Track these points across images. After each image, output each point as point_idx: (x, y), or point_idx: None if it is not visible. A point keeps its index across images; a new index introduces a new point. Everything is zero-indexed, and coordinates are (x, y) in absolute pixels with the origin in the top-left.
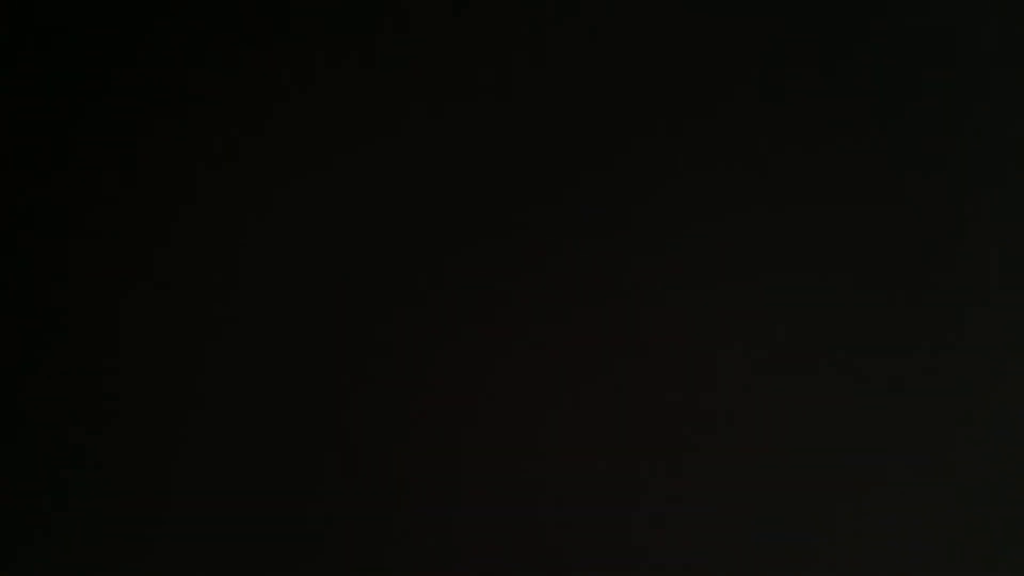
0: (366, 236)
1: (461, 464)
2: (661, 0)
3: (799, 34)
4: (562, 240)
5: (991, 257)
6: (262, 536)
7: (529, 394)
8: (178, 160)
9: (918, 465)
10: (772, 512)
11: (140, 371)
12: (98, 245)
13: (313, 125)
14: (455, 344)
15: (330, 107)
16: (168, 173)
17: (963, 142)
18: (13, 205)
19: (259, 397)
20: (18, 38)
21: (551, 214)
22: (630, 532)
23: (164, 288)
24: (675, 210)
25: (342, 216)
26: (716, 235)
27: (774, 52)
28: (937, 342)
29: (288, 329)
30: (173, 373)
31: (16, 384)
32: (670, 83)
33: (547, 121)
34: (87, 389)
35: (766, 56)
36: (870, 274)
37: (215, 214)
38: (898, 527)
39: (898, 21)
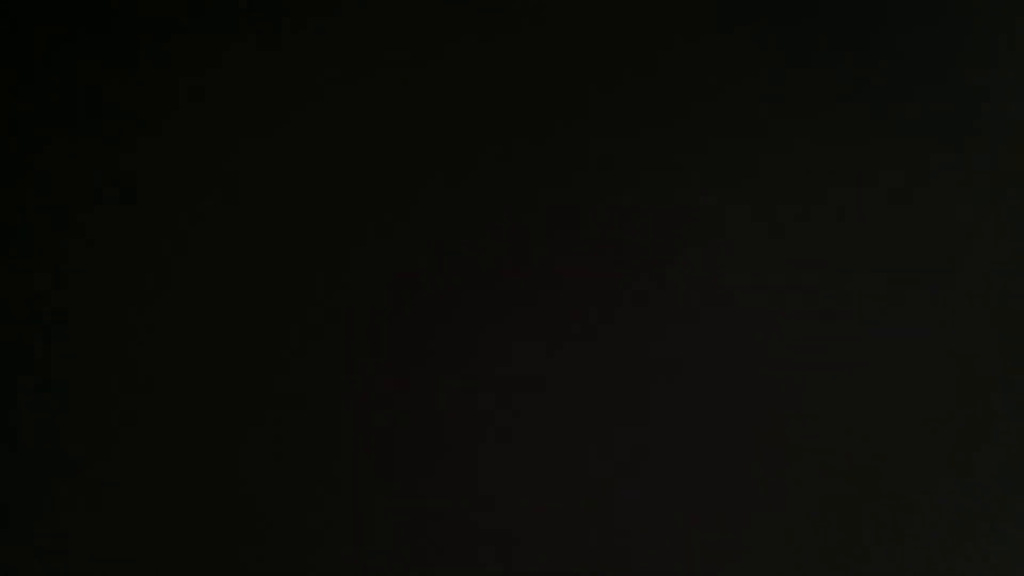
0: (343, 229)
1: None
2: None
3: (806, 28)
4: (549, 235)
5: (991, 256)
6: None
7: (518, 392)
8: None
9: (921, 464)
10: (769, 516)
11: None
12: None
13: (284, 101)
14: (430, 338)
15: (303, 86)
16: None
17: (957, 139)
18: None
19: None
20: None
21: (534, 210)
22: (624, 530)
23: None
24: (665, 204)
25: (315, 205)
26: (708, 232)
27: (777, 44)
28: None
29: (271, 322)
30: (121, 361)
31: None
32: (663, 77)
33: (539, 114)
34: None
35: (767, 49)
36: (874, 272)
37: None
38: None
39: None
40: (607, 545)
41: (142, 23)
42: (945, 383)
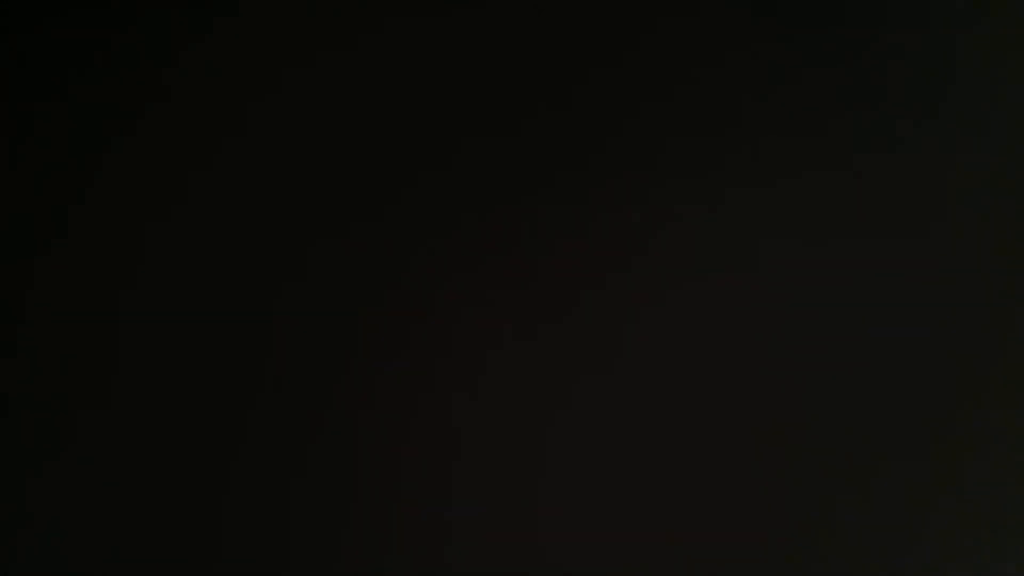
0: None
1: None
2: None
3: (800, 24)
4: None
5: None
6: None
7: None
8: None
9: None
10: (772, 518)
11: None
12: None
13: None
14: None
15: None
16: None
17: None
18: None
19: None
20: None
21: (524, 209)
22: (619, 528)
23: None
24: (660, 202)
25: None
26: (703, 227)
27: (772, 34)
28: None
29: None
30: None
31: None
32: (652, 69)
33: (531, 115)
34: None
35: (762, 40)
36: (872, 271)
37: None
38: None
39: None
40: (601, 542)
41: (122, 12)
42: (945, 383)
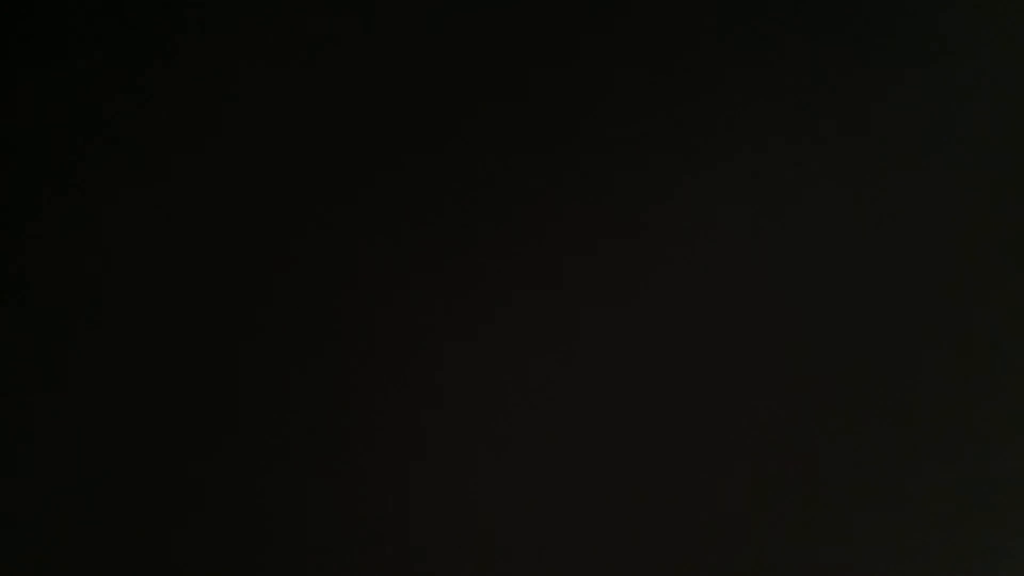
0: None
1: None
2: None
3: (798, 23)
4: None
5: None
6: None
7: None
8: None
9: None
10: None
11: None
12: None
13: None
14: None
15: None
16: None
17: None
18: None
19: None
20: None
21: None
22: (628, 533)
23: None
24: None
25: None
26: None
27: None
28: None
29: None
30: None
31: None
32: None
33: (527, 107)
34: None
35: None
36: (872, 272)
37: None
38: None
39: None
40: (576, 538)
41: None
42: (944, 387)
